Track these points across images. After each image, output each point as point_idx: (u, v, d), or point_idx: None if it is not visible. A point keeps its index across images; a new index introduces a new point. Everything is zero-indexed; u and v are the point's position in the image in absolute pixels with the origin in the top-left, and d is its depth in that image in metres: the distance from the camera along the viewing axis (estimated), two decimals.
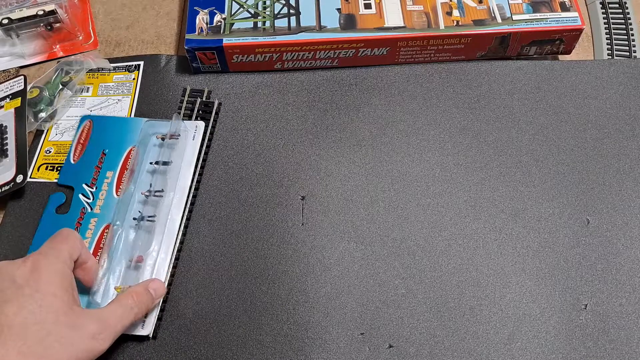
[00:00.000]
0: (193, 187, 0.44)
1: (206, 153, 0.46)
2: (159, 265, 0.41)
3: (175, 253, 0.41)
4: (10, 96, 0.49)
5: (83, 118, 0.48)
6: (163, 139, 0.45)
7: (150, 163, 0.44)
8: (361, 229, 0.43)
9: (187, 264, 0.42)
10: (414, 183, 0.44)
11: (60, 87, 0.49)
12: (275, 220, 0.43)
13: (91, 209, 0.43)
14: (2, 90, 0.49)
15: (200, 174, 0.45)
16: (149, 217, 0.42)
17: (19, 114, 0.47)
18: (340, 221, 0.43)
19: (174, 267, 0.41)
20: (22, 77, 0.50)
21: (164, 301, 0.40)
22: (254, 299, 0.40)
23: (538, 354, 0.38)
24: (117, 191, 0.44)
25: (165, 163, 0.44)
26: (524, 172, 0.45)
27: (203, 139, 0.46)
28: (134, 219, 0.42)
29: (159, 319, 0.39)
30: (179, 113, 0.47)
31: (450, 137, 0.46)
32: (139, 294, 0.37)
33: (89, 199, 0.44)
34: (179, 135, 0.45)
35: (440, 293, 0.40)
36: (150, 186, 0.43)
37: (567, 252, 0.41)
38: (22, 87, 0.49)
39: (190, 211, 0.44)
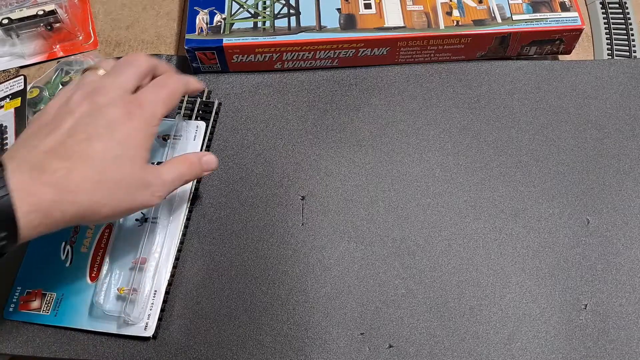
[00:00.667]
0: (193, 187, 0.44)
1: None
2: (161, 266, 0.41)
3: (175, 253, 0.41)
4: (10, 96, 0.49)
5: None
6: (164, 139, 0.45)
7: (153, 163, 0.44)
8: (361, 229, 0.43)
9: (187, 264, 0.42)
10: (414, 183, 0.44)
11: (61, 87, 0.49)
12: (275, 220, 0.43)
13: None
14: (2, 90, 0.49)
15: None
16: (153, 218, 0.42)
17: (19, 114, 0.47)
18: (340, 221, 0.43)
19: (174, 267, 0.41)
20: (22, 77, 0.50)
21: (164, 301, 0.40)
22: (254, 299, 0.40)
23: (538, 354, 0.38)
24: None
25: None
26: (524, 172, 0.45)
27: (203, 139, 0.46)
28: (136, 220, 0.42)
29: (159, 319, 0.39)
30: (179, 113, 0.47)
31: (450, 137, 0.46)
32: (193, 162, 0.38)
33: None
34: (182, 135, 0.45)
35: (440, 293, 0.40)
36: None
37: (567, 252, 0.41)
38: (22, 87, 0.49)
39: (190, 211, 0.44)
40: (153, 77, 0.38)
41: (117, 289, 0.40)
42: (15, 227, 0.30)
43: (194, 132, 0.46)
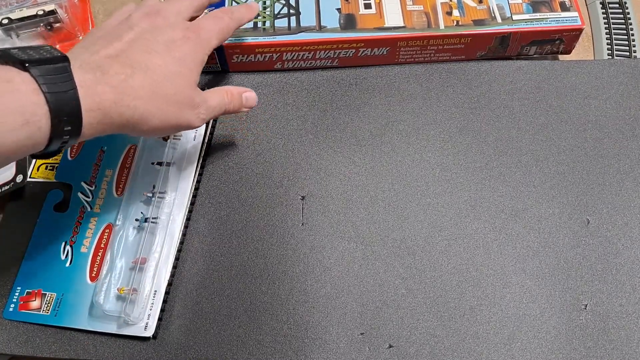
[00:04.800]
0: (193, 187, 0.44)
1: (206, 153, 0.46)
2: (161, 266, 0.41)
3: (175, 253, 0.41)
4: None
5: None
6: (165, 139, 0.45)
7: (152, 163, 0.44)
8: (361, 229, 0.43)
9: (187, 264, 0.42)
10: (414, 183, 0.44)
11: None
12: (275, 220, 0.43)
13: (91, 208, 0.43)
14: None
15: (200, 174, 0.45)
16: (153, 218, 0.42)
17: None
18: (340, 221, 0.43)
19: (174, 267, 0.41)
20: None
21: (164, 301, 0.40)
22: (254, 299, 0.40)
23: (538, 354, 0.38)
24: (117, 190, 0.44)
25: (168, 164, 0.44)
26: (524, 172, 0.45)
27: (203, 139, 0.46)
28: (136, 220, 0.42)
29: (159, 319, 0.39)
30: None
31: (450, 137, 0.46)
32: (234, 95, 0.40)
33: (88, 197, 0.44)
34: (182, 135, 0.45)
35: (441, 293, 0.40)
36: (154, 187, 0.43)
37: (567, 252, 0.41)
38: None
39: (190, 211, 0.44)
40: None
41: (117, 289, 0.40)
42: (80, 122, 0.30)
43: (194, 132, 0.46)
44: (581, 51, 0.53)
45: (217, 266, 0.41)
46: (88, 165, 0.45)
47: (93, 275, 0.41)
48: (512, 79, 0.49)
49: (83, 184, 0.44)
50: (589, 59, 0.52)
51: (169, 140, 0.45)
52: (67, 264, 0.41)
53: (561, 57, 0.52)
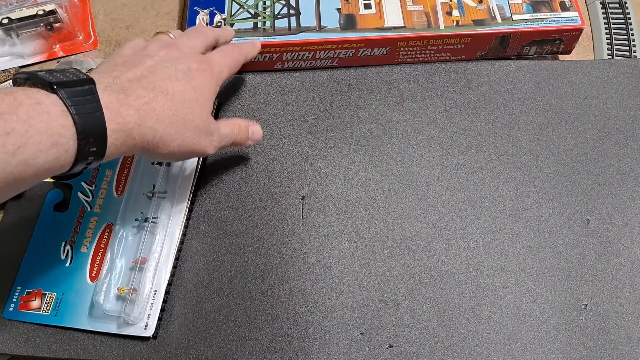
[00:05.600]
0: (193, 187, 0.44)
1: None
2: (161, 266, 0.41)
3: (175, 253, 0.41)
4: None
5: None
6: None
7: (152, 163, 0.44)
8: (361, 229, 0.43)
9: (187, 264, 0.42)
10: (414, 183, 0.44)
11: None
12: (275, 220, 0.43)
13: (91, 208, 0.43)
14: None
15: (200, 174, 0.45)
16: (153, 218, 0.42)
17: None
18: (340, 221, 0.43)
19: (174, 267, 0.41)
20: None
21: (164, 301, 0.40)
22: (254, 299, 0.40)
23: (538, 354, 0.38)
24: (117, 190, 0.44)
25: (168, 164, 0.44)
26: (524, 172, 0.45)
27: None
28: (136, 219, 0.42)
29: (159, 319, 0.39)
30: None
31: (450, 137, 0.46)
32: (241, 128, 0.41)
33: (88, 197, 0.44)
34: None
35: (441, 293, 0.40)
36: (154, 187, 0.43)
37: (567, 252, 0.41)
38: None
39: (190, 211, 0.44)
40: (214, 48, 0.43)
41: (117, 289, 0.40)
42: (105, 143, 0.31)
43: None
44: (581, 51, 0.53)
45: (217, 266, 0.41)
46: None
47: (93, 275, 0.41)
48: (512, 79, 0.49)
49: (83, 183, 0.44)
50: (589, 59, 0.52)
51: None
52: (67, 264, 0.41)
53: (561, 57, 0.52)
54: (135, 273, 0.40)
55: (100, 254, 0.41)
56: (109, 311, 0.39)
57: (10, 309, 0.40)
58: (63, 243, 0.42)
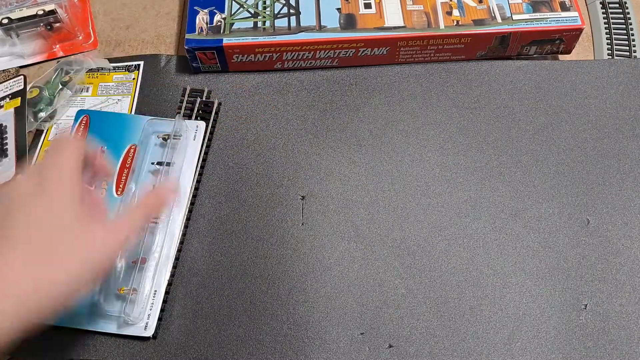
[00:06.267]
0: (193, 187, 0.44)
1: (206, 153, 0.46)
2: (161, 266, 0.40)
3: (175, 253, 0.41)
4: (10, 96, 0.49)
5: (79, 113, 0.47)
6: (164, 139, 0.45)
7: (152, 163, 0.44)
8: (361, 229, 0.43)
9: (187, 264, 0.42)
10: (414, 183, 0.44)
11: (60, 87, 0.49)
12: (275, 220, 0.43)
13: None
14: (2, 90, 0.49)
15: (200, 174, 0.45)
16: (153, 218, 0.42)
17: (19, 113, 0.47)
18: (340, 221, 0.43)
19: (174, 267, 0.41)
20: (22, 76, 0.50)
21: (164, 301, 0.40)
22: (254, 299, 0.40)
23: (538, 353, 0.38)
24: (117, 190, 0.44)
25: (168, 164, 0.44)
26: (524, 172, 0.45)
27: (203, 139, 0.46)
28: None
29: (159, 319, 0.39)
30: (179, 113, 0.47)
31: (450, 137, 0.46)
32: (149, 208, 0.37)
33: None
34: (181, 135, 0.45)
35: (441, 293, 0.40)
36: (153, 187, 0.43)
37: (567, 252, 0.41)
38: (22, 86, 0.49)
39: (190, 211, 0.44)
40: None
41: (117, 289, 0.40)
42: None
43: (194, 131, 0.46)
44: (581, 51, 0.53)
45: (217, 266, 0.41)
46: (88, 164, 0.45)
47: None
48: (512, 79, 0.49)
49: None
50: (589, 58, 0.52)
51: (169, 140, 0.45)
52: None
53: (561, 57, 0.52)
54: (135, 273, 0.40)
55: None
56: (109, 311, 0.39)
57: None
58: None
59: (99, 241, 0.32)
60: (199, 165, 0.45)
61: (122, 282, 0.40)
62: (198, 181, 0.45)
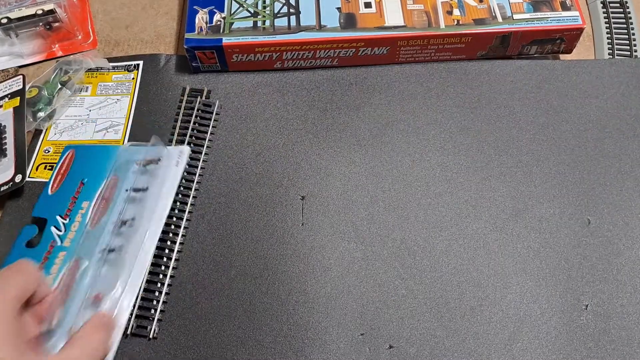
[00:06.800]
0: (194, 188, 0.44)
1: (206, 153, 0.46)
2: (121, 303, 0.37)
3: (175, 254, 0.41)
4: (9, 96, 0.48)
5: (66, 148, 0.45)
6: (144, 165, 0.43)
7: (126, 190, 0.42)
8: (361, 229, 0.42)
9: (187, 265, 0.41)
10: (414, 183, 0.44)
11: (59, 86, 0.49)
12: (275, 220, 0.43)
13: (61, 242, 0.40)
14: (1, 89, 0.49)
15: (200, 175, 0.45)
16: (111, 249, 0.38)
17: (18, 113, 0.47)
18: (340, 221, 0.43)
19: (174, 267, 0.41)
20: (21, 76, 0.50)
21: (164, 302, 0.40)
22: (254, 299, 0.40)
23: (539, 354, 0.38)
24: (91, 222, 0.41)
25: (138, 190, 0.41)
26: (525, 172, 0.45)
27: (203, 139, 0.46)
28: (101, 251, 0.39)
29: (159, 319, 0.39)
30: (178, 113, 0.47)
31: (450, 137, 0.46)
32: (86, 341, 0.33)
33: (60, 231, 0.41)
34: (159, 159, 0.43)
35: (441, 293, 0.40)
36: (119, 214, 0.40)
37: (568, 252, 0.41)
38: (21, 86, 0.49)
39: (189, 212, 0.43)
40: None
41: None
42: None
43: (177, 158, 0.43)
44: (582, 50, 0.53)
45: (216, 267, 0.41)
46: (66, 199, 0.42)
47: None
48: (512, 79, 0.49)
49: (57, 217, 0.41)
50: (589, 58, 0.52)
51: (140, 165, 0.43)
52: None
53: (562, 56, 0.52)
54: (88, 311, 0.36)
55: (58, 290, 0.37)
56: None
57: None
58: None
59: None
60: (179, 192, 0.43)
61: (76, 322, 0.36)
62: (198, 182, 0.44)
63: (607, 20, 0.54)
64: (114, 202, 0.41)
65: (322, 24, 0.49)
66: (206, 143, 0.46)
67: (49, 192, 0.43)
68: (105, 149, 0.46)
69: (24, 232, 0.42)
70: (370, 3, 0.50)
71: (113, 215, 0.41)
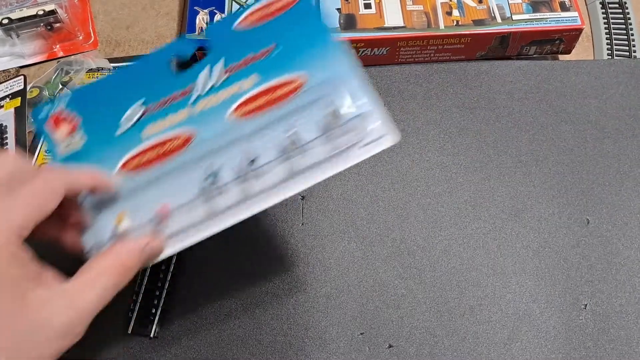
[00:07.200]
0: None
1: None
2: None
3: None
4: (10, 96, 0.49)
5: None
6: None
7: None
8: (361, 229, 0.43)
9: (187, 265, 0.42)
10: (414, 183, 0.44)
11: (60, 87, 0.49)
12: (275, 220, 0.43)
13: (194, 98, 0.29)
14: (2, 90, 0.49)
15: None
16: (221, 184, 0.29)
17: (19, 113, 0.47)
18: (340, 221, 0.43)
19: (174, 267, 0.41)
20: (22, 77, 0.50)
21: (164, 301, 0.40)
22: (254, 298, 0.40)
23: (538, 353, 0.38)
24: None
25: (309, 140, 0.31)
26: (524, 172, 0.45)
27: None
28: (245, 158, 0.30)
29: (159, 319, 0.39)
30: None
31: (449, 137, 0.46)
32: (115, 268, 0.28)
33: (207, 84, 0.31)
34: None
35: (440, 293, 0.40)
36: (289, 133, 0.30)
37: (567, 252, 0.41)
38: (22, 87, 0.49)
39: None
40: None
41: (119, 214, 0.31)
42: None
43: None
44: (581, 51, 0.53)
45: (216, 266, 0.41)
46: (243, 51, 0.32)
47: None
48: (512, 79, 0.49)
49: (219, 64, 0.31)
50: (588, 59, 0.52)
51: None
52: (117, 132, 0.30)
53: (561, 57, 0.52)
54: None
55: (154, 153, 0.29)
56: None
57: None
58: (139, 102, 0.31)
59: (58, 332, 0.24)
60: None
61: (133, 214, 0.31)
62: None
63: (606, 20, 0.54)
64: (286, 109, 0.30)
65: None
66: None
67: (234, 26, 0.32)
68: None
69: (177, 44, 0.33)
70: (370, 4, 0.50)
71: (280, 125, 0.30)
